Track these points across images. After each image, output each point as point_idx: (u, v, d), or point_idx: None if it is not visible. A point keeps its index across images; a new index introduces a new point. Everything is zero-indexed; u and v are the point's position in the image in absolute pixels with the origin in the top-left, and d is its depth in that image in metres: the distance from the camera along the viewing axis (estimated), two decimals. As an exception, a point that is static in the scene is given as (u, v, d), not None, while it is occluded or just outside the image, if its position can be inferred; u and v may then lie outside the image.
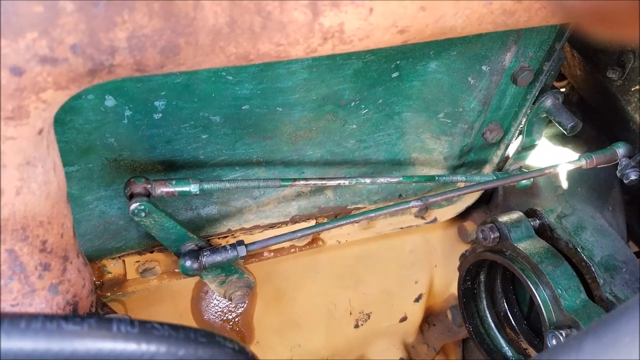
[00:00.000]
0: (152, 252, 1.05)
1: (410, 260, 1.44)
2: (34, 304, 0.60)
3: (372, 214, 0.96)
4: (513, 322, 1.30)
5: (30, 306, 0.60)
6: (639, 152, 0.89)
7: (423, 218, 1.29)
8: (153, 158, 0.90)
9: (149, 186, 0.84)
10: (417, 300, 1.51)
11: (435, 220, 1.31)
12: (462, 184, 1.11)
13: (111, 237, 0.96)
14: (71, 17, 0.43)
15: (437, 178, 1.03)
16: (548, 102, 1.05)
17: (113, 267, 1.06)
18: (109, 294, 1.06)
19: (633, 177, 0.91)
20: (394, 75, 0.92)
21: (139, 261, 1.06)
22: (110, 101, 0.77)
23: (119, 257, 1.03)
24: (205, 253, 0.92)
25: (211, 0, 0.48)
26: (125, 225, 0.96)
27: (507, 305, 1.30)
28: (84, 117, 0.78)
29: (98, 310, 0.73)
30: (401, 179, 0.99)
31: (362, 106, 0.95)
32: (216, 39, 0.52)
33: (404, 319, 1.53)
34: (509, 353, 1.29)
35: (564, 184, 1.23)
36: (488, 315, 1.30)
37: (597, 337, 0.43)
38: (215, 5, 0.49)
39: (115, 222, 0.95)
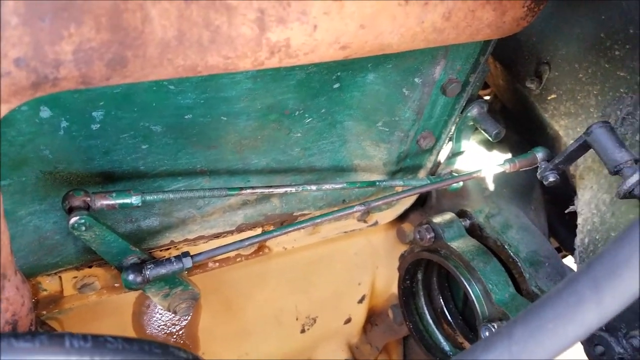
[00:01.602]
0: (90, 267, 1.02)
1: (355, 263, 1.48)
2: (-31, 326, 0.57)
3: (318, 220, 0.99)
4: (449, 317, 1.36)
5: (-35, 328, 0.57)
6: (557, 156, 0.97)
7: (365, 222, 1.34)
8: (91, 170, 0.88)
9: (89, 199, 0.81)
10: (360, 301, 1.55)
11: (376, 223, 1.35)
12: (400, 188, 1.16)
13: (47, 252, 0.92)
14: (16, 31, 0.42)
15: (377, 183, 1.08)
16: (474, 111, 1.13)
17: (49, 284, 1.01)
18: (44, 312, 1.01)
19: (552, 178, 0.98)
20: (335, 86, 0.95)
21: (77, 277, 1.02)
22: (45, 112, 0.75)
23: (55, 273, 0.98)
24: (149, 266, 0.91)
25: (160, 14, 0.49)
26: (61, 240, 0.92)
27: (443, 301, 1.36)
28: (17, 129, 0.75)
29: (38, 329, 0.70)
30: (345, 185, 1.03)
31: (306, 115, 0.98)
32: (164, 51, 0.52)
33: (348, 321, 1.57)
34: (447, 347, 1.35)
35: (491, 186, 1.31)
36: (426, 312, 1.36)
37: (524, 325, 0.48)
38: (164, 19, 0.50)
39: (51, 237, 0.91)
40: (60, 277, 1.01)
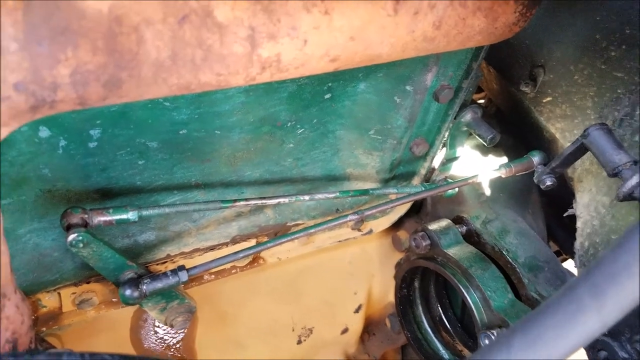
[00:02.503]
0: (88, 282, 1.02)
1: (350, 272, 1.47)
2: (-30, 346, 0.58)
3: (312, 230, 0.99)
4: (448, 325, 1.35)
5: (-35, 348, 0.57)
6: (554, 160, 0.95)
7: (359, 230, 1.34)
8: (88, 187, 0.88)
9: (86, 216, 0.82)
10: (357, 310, 1.55)
11: (371, 231, 1.35)
12: (394, 196, 1.17)
13: (46, 269, 0.93)
14: (15, 56, 0.43)
15: (371, 191, 1.08)
16: (468, 116, 1.13)
17: (48, 301, 1.01)
18: (44, 329, 1.01)
19: (548, 182, 0.97)
20: (327, 96, 0.96)
21: (75, 292, 1.03)
22: (44, 132, 0.76)
23: (54, 289, 0.99)
24: (146, 281, 0.91)
25: (154, 35, 0.50)
26: (60, 257, 0.93)
27: (441, 309, 1.36)
28: (17, 150, 0.76)
29: (37, 346, 0.71)
30: (338, 194, 1.03)
31: (298, 126, 0.98)
32: (159, 71, 0.53)
33: (345, 331, 1.56)
34: (446, 356, 1.34)
35: (487, 192, 1.31)
36: (424, 321, 1.35)
37: (524, 334, 0.47)
38: (158, 40, 0.51)
39: (50, 254, 0.92)
40: (59, 294, 1.01)
